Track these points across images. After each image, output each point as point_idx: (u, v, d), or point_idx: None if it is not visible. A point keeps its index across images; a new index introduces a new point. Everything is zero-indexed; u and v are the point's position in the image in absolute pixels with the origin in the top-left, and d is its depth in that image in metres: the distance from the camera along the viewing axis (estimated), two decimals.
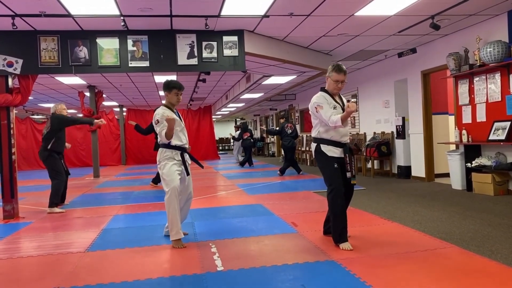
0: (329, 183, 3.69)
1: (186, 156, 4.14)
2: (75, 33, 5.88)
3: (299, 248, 3.73)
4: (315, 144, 3.80)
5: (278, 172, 10.18)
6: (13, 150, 5.80)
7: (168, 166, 3.94)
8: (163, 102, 4.25)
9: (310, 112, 3.84)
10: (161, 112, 3.98)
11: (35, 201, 7.19)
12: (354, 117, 10.88)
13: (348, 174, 3.66)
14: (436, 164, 8.21)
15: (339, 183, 3.65)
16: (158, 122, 3.93)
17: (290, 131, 10.22)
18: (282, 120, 10.89)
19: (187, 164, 4.10)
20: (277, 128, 11.73)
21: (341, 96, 3.93)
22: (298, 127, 15.65)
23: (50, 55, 5.82)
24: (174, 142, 3.99)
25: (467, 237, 3.87)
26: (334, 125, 3.55)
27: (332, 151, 3.70)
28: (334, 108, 3.66)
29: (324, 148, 3.71)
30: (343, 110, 3.69)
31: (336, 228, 3.64)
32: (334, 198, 3.64)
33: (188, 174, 4.11)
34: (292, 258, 3.41)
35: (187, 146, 4.14)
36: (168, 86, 4.09)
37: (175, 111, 4.16)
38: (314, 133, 3.84)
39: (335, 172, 3.66)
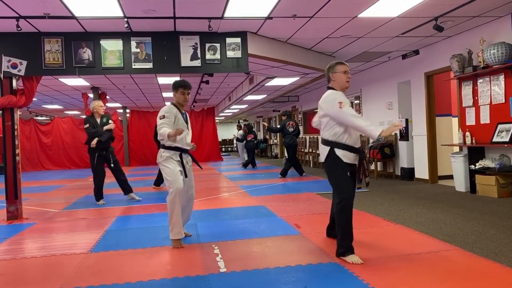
0: (340, 192, 3.37)
1: (188, 158, 4.14)
2: (79, 34, 5.91)
3: (302, 250, 3.73)
4: (328, 148, 3.41)
5: (280, 175, 10.07)
6: (17, 151, 5.83)
7: (171, 166, 3.96)
8: (167, 103, 4.25)
9: (323, 112, 3.43)
10: (167, 110, 4.01)
11: (39, 202, 7.22)
12: None
13: (360, 184, 3.47)
14: (440, 166, 8.19)
15: (351, 194, 3.38)
16: (164, 117, 3.94)
17: (292, 129, 10.17)
18: (284, 118, 10.75)
19: (187, 166, 4.09)
20: (278, 126, 11.66)
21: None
22: (301, 128, 15.64)
23: (54, 56, 5.84)
24: (174, 144, 4.01)
25: (470, 239, 3.86)
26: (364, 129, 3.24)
27: (347, 157, 3.37)
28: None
29: (339, 152, 3.36)
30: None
31: (342, 242, 3.35)
32: (343, 209, 3.34)
33: (186, 176, 4.07)
34: (295, 260, 3.40)
35: (188, 148, 4.12)
36: (174, 85, 4.11)
37: (183, 112, 4.15)
38: (327, 135, 3.43)
39: (348, 181, 3.38)
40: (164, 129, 3.88)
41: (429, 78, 8.07)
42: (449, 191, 7.01)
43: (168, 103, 4.22)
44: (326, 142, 3.45)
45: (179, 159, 4.02)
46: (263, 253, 3.66)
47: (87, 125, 6.61)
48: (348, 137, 3.38)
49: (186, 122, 4.15)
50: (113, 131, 6.80)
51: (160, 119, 3.97)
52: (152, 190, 8.34)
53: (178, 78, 10.05)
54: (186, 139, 4.09)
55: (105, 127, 6.62)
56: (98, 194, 6.85)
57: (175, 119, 4.02)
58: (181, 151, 4.05)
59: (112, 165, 6.83)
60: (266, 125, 11.84)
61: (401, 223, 4.65)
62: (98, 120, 6.72)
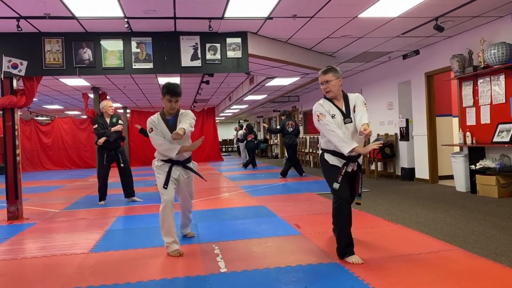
0: (335, 193, 3.36)
1: (185, 170, 3.89)
2: (79, 35, 5.91)
3: (303, 250, 3.73)
4: (320, 152, 3.58)
5: (280, 176, 10.03)
6: (18, 151, 5.83)
7: (161, 176, 3.78)
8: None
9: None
10: (149, 121, 3.78)
11: (39, 202, 7.22)
12: None
13: (335, 185, 3.31)
14: (440, 166, 8.19)
15: (345, 193, 3.34)
16: (152, 130, 3.74)
17: (292, 129, 10.15)
18: (283, 117, 10.72)
19: (182, 178, 3.87)
20: (278, 127, 11.66)
21: (349, 97, 3.49)
22: (301, 128, 15.64)
23: (54, 56, 5.84)
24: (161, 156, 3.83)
25: (471, 240, 3.86)
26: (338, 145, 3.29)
27: (335, 161, 3.41)
28: (332, 116, 3.35)
29: (327, 156, 3.46)
30: (344, 115, 3.36)
31: (340, 242, 3.36)
32: (338, 209, 3.34)
33: (189, 187, 3.95)
34: (295, 260, 3.40)
35: (180, 159, 3.83)
36: (162, 90, 3.76)
37: (171, 117, 3.81)
38: (321, 143, 3.55)
39: (340, 182, 3.34)
40: (158, 144, 3.71)
41: (429, 78, 8.07)
42: (450, 191, 7.01)
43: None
44: (321, 149, 3.56)
45: (167, 170, 3.77)
46: (264, 253, 3.66)
47: (96, 126, 6.64)
48: None
49: (173, 129, 3.71)
50: (121, 131, 6.78)
51: (149, 132, 3.76)
52: (153, 190, 8.33)
53: (178, 79, 10.07)
54: (174, 149, 3.71)
55: (113, 129, 6.62)
56: (101, 193, 6.85)
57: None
58: (172, 162, 3.79)
59: (121, 164, 6.82)
60: (266, 126, 11.84)
61: (402, 223, 4.65)
62: (108, 120, 6.73)
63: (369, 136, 3.21)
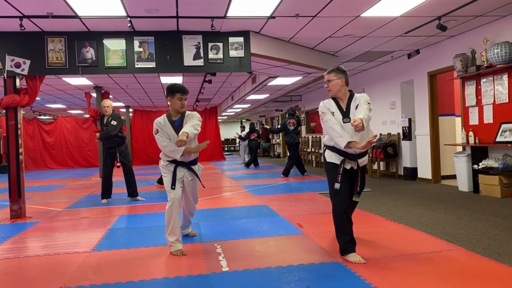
0: (333, 192, 3.41)
1: (188, 172, 3.91)
2: (82, 34, 5.92)
3: (305, 249, 3.73)
4: (324, 150, 3.60)
5: (282, 175, 10.02)
6: (21, 150, 5.85)
7: (167, 176, 3.80)
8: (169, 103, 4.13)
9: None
10: (156, 123, 3.80)
11: (42, 201, 7.25)
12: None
13: (336, 185, 3.34)
14: (443, 165, 8.17)
15: (342, 191, 3.36)
16: (157, 132, 3.77)
17: (293, 127, 10.15)
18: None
19: (186, 180, 3.88)
20: (279, 127, 11.67)
21: (354, 96, 3.48)
22: (303, 128, 15.63)
23: (57, 56, 5.86)
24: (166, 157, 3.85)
25: (473, 239, 3.85)
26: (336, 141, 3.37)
27: (334, 158, 3.44)
28: (332, 114, 3.40)
29: (327, 153, 3.51)
30: (344, 114, 3.38)
31: (340, 240, 3.40)
32: (336, 208, 3.39)
33: (193, 190, 3.99)
34: (297, 259, 3.40)
35: (185, 160, 3.83)
36: (171, 90, 3.80)
37: (177, 118, 3.85)
38: (325, 139, 3.61)
39: (340, 181, 3.37)
40: (164, 147, 3.75)
41: (432, 77, 8.05)
42: (452, 191, 6.99)
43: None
44: (323, 145, 3.62)
45: (172, 170, 3.80)
46: (266, 252, 3.66)
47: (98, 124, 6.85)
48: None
49: (179, 130, 3.72)
50: (108, 133, 6.64)
51: (155, 134, 3.79)
52: (155, 189, 8.35)
53: (180, 78, 10.08)
54: (178, 151, 3.74)
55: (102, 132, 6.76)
56: (102, 191, 6.88)
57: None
58: (176, 163, 3.82)
59: (118, 164, 6.87)
60: (268, 127, 11.83)
61: (404, 223, 4.65)
62: (105, 119, 6.76)
63: (358, 129, 3.17)
